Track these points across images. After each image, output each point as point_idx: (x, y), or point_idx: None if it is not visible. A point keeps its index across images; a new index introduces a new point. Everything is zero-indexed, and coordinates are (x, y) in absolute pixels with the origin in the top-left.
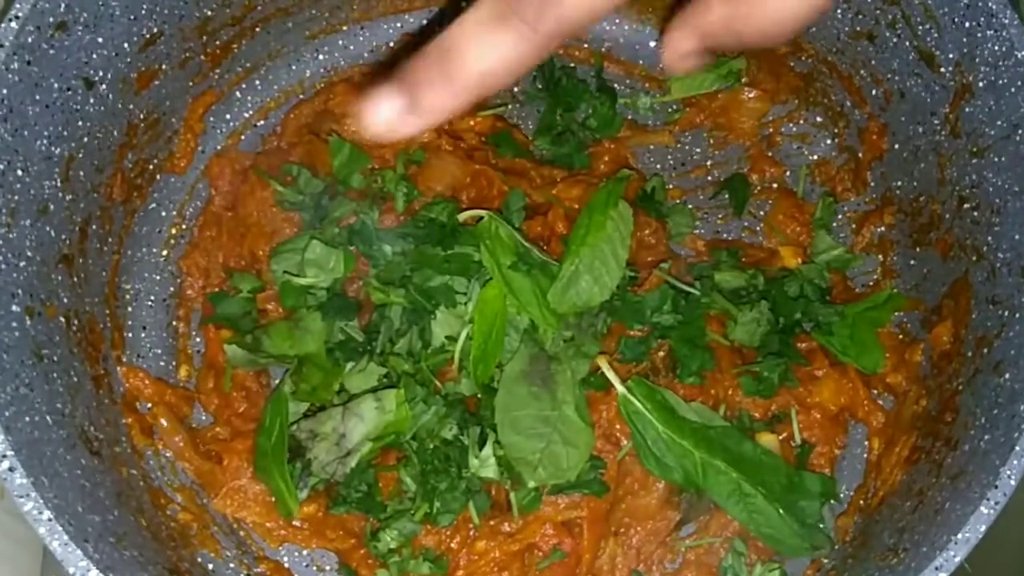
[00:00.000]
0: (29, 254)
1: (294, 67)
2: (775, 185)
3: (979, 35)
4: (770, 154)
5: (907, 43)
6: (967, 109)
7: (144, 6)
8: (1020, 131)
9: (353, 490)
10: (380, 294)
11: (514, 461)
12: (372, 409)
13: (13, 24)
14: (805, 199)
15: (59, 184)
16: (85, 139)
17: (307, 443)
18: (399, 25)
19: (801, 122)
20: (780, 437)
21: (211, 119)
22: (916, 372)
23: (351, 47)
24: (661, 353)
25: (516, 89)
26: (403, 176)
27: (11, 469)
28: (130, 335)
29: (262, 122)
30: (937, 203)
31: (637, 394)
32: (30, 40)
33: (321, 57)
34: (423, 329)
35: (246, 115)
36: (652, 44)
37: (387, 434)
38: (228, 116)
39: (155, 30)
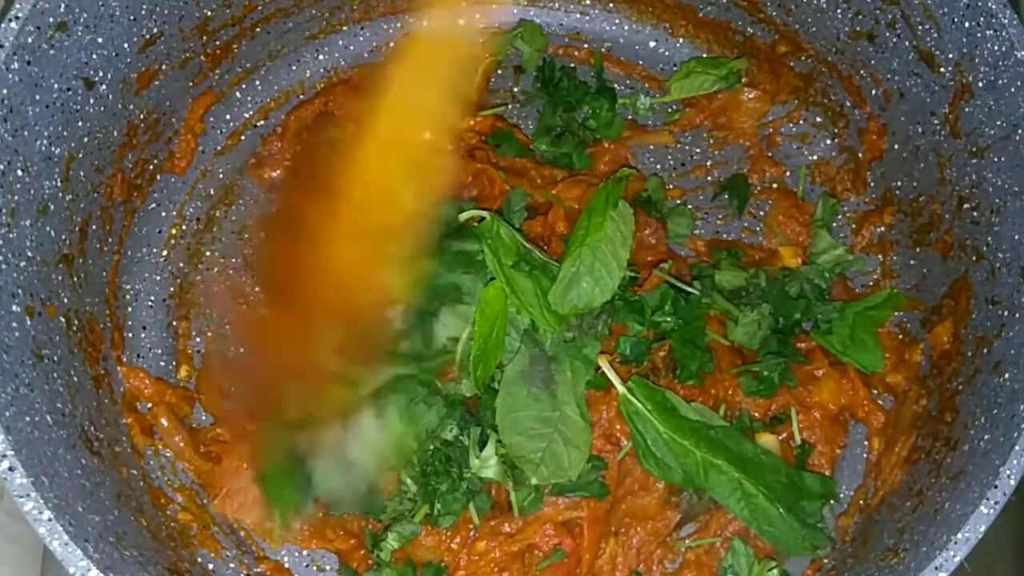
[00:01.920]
0: (29, 254)
1: (294, 67)
2: (775, 185)
3: (979, 35)
4: (770, 154)
5: (907, 43)
6: (967, 109)
7: (144, 6)
8: (1020, 131)
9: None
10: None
11: (516, 460)
12: (371, 424)
13: (13, 24)
14: (805, 199)
15: (59, 184)
16: (85, 139)
17: (307, 456)
18: (399, 25)
19: (801, 122)
20: (780, 437)
21: (211, 119)
22: (916, 372)
23: (351, 47)
24: (661, 353)
25: (516, 89)
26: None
27: (11, 469)
28: (130, 335)
29: (262, 122)
30: (937, 203)
31: (637, 394)
32: (30, 40)
33: (321, 57)
34: (425, 330)
35: (246, 115)
36: (652, 44)
37: (394, 455)
38: (228, 116)
39: (155, 30)
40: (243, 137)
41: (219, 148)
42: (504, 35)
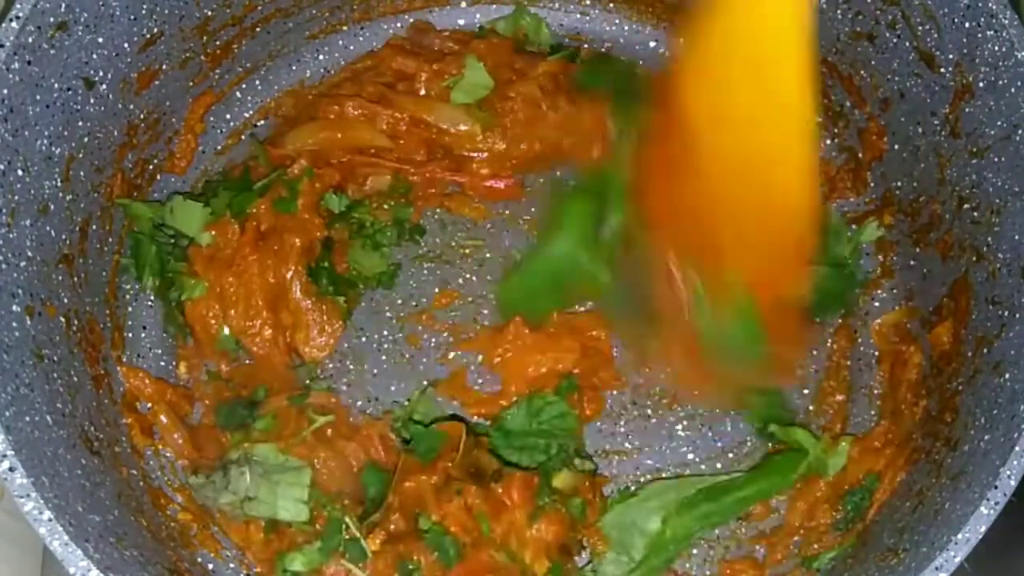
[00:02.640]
0: (29, 254)
1: (294, 67)
2: None
3: (979, 35)
4: None
5: (907, 44)
6: (967, 109)
7: (144, 6)
8: (1020, 131)
9: None
10: None
11: None
12: None
13: (14, 24)
14: None
15: (59, 184)
16: (85, 139)
17: None
18: (399, 25)
19: None
20: None
21: (211, 119)
22: (916, 374)
23: (351, 47)
24: None
25: None
26: None
27: (11, 469)
28: (130, 335)
29: (262, 122)
30: (937, 203)
31: None
32: (31, 40)
33: (321, 57)
34: None
35: (246, 115)
36: (652, 44)
37: None
38: (228, 116)
39: (155, 30)
40: (243, 137)
41: (219, 148)
42: (510, 16)
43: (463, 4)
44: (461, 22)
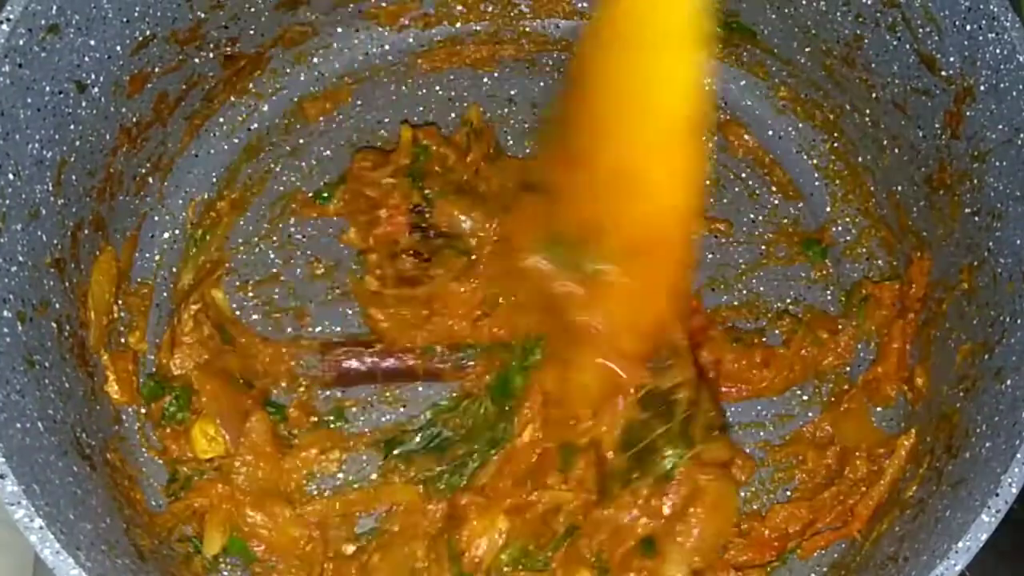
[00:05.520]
0: (20, 259)
1: (288, 72)
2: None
3: (980, 39)
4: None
5: (908, 46)
6: (968, 113)
7: (137, 9)
8: (1021, 135)
9: None
10: None
11: None
12: None
13: (4, 27)
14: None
15: (51, 188)
16: (77, 143)
17: None
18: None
19: (800, 126)
20: None
21: (206, 123)
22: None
23: (346, 50)
24: None
25: (514, 92)
26: None
27: (2, 476)
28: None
29: (255, 126)
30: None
31: None
32: (22, 43)
33: (316, 60)
34: None
35: (239, 118)
36: None
37: None
38: (222, 120)
39: (148, 33)
40: (236, 140)
41: (212, 152)
42: None
43: (459, 8)
44: (458, 24)
